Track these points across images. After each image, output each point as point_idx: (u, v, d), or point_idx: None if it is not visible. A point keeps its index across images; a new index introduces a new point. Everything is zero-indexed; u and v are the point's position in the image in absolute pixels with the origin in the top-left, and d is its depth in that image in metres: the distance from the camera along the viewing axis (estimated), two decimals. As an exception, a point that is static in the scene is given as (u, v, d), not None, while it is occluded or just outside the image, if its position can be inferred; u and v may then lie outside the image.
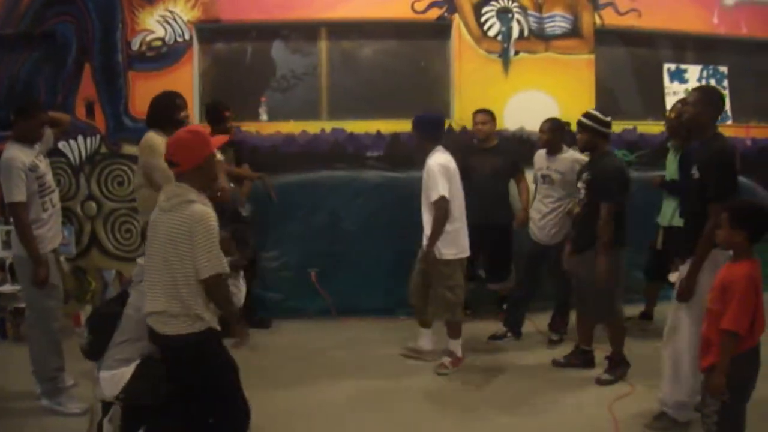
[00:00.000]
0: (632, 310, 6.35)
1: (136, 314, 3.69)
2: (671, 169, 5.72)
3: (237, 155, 6.19)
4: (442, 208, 5.07)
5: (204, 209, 3.25)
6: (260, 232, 6.29)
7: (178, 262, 3.22)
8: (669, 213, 5.74)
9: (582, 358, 5.20)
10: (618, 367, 4.95)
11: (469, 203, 6.23)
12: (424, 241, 5.20)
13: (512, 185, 6.35)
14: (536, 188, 5.89)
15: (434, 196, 5.05)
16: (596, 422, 4.33)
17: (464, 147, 6.41)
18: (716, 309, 3.36)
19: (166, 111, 5.25)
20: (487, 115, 6.23)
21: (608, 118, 4.91)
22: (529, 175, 6.17)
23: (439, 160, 5.14)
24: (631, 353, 5.19)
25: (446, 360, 5.32)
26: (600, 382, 4.90)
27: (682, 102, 5.80)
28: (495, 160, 6.17)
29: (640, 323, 6.13)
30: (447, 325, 5.35)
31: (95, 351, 3.79)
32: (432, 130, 5.29)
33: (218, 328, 3.41)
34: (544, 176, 5.73)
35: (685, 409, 4.06)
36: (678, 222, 5.60)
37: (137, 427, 3.92)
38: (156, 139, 5.12)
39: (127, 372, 3.74)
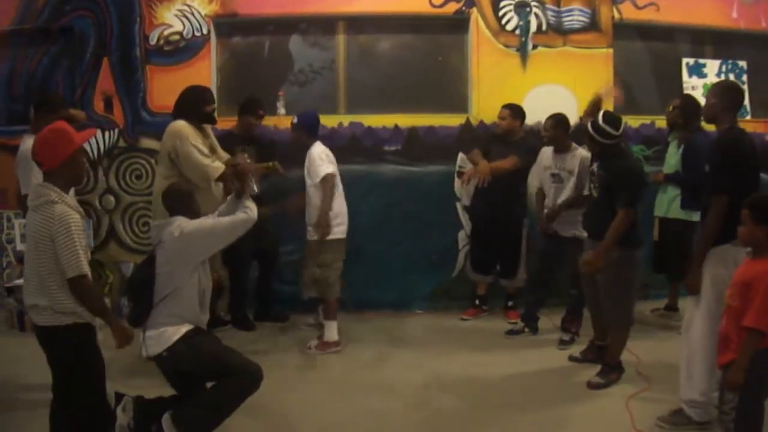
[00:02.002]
0: (654, 305, 6.42)
1: (168, 267, 3.84)
2: (672, 161, 5.79)
3: (260, 153, 6.14)
4: (329, 184, 5.47)
5: (63, 209, 3.24)
6: (277, 226, 6.29)
7: (41, 261, 3.25)
8: (665, 204, 5.84)
9: (598, 354, 5.13)
10: (612, 372, 4.82)
11: (484, 196, 6.24)
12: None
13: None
14: (543, 186, 5.87)
15: (322, 173, 5.45)
16: (611, 417, 4.30)
17: (488, 135, 6.39)
18: (736, 306, 3.33)
19: (195, 103, 5.39)
20: (507, 110, 6.16)
21: (617, 131, 4.69)
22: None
23: (319, 149, 5.58)
24: (654, 347, 5.21)
25: (313, 342, 5.64)
26: (591, 385, 4.76)
27: (682, 97, 5.92)
28: (514, 154, 6.06)
29: (665, 314, 6.14)
30: (323, 305, 5.73)
31: (138, 316, 3.92)
32: (312, 128, 5.68)
33: (93, 323, 3.43)
34: (553, 175, 5.71)
35: (700, 408, 3.99)
36: (676, 214, 5.69)
37: (154, 416, 4.02)
38: (185, 126, 5.20)
39: (175, 332, 3.86)
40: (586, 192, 5.44)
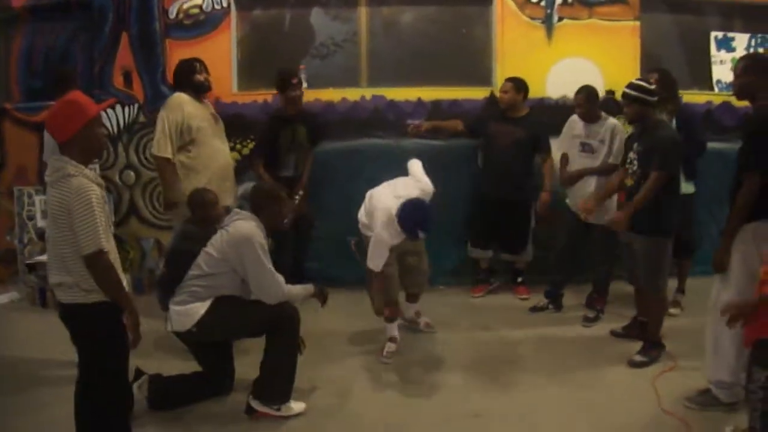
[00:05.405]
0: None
1: (216, 253, 3.96)
2: None
3: (310, 134, 6.06)
4: None
5: (81, 183, 3.05)
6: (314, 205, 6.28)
7: (61, 238, 3.09)
8: None
9: (640, 330, 5.03)
10: (653, 348, 4.73)
11: (488, 173, 6.17)
12: None
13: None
14: (569, 155, 5.73)
15: None
16: (637, 396, 4.22)
17: (488, 114, 6.27)
18: None
19: (183, 73, 5.53)
20: (509, 83, 6.01)
21: (653, 86, 4.67)
22: (553, 143, 6.00)
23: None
24: (677, 325, 5.14)
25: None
26: (633, 363, 4.68)
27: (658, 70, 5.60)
28: (518, 131, 5.95)
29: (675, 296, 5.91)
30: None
31: (168, 283, 4.08)
32: None
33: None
34: (583, 144, 5.58)
35: (728, 389, 3.90)
36: (684, 188, 5.42)
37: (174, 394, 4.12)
38: (178, 97, 5.42)
39: (201, 307, 3.93)
40: (611, 160, 5.40)
